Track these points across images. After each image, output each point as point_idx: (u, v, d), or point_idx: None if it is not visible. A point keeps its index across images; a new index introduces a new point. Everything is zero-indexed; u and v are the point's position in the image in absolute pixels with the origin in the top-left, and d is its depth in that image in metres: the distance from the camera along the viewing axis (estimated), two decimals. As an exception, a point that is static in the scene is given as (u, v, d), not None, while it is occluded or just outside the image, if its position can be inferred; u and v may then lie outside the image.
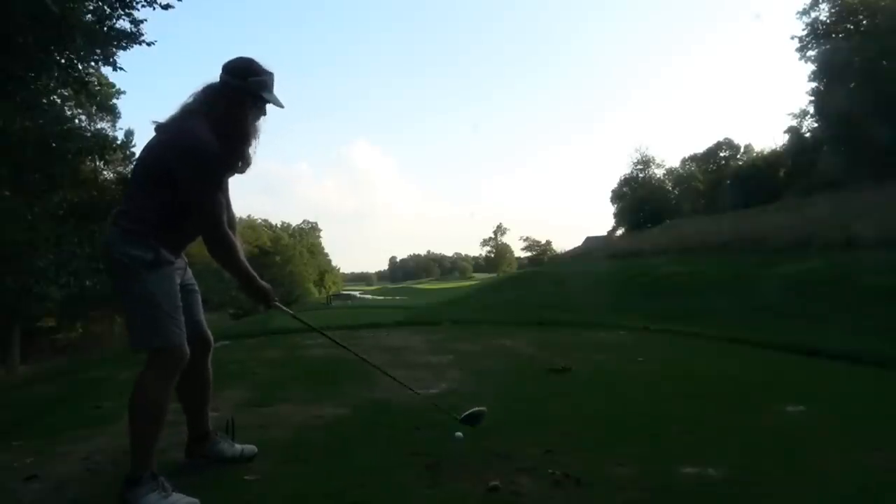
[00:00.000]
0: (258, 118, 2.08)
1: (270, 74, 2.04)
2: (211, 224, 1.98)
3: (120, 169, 21.01)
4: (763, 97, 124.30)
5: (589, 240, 46.96)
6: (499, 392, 3.57)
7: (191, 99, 2.01)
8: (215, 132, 1.93)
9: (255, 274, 2.10)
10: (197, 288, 2.23)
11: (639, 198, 39.29)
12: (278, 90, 2.06)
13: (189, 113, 1.98)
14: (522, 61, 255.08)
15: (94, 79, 12.51)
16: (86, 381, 4.95)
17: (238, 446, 2.30)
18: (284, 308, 2.28)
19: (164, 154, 1.95)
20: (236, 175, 2.17)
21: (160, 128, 2.01)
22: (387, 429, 2.65)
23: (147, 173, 2.00)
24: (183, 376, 2.00)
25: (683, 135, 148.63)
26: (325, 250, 70.91)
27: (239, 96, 1.99)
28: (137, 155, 2.34)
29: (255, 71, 2.01)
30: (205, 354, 2.21)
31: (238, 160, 2.08)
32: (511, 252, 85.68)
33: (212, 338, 2.26)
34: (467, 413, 2.30)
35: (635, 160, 42.73)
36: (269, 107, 2.08)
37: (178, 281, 2.06)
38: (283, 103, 2.07)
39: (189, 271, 2.20)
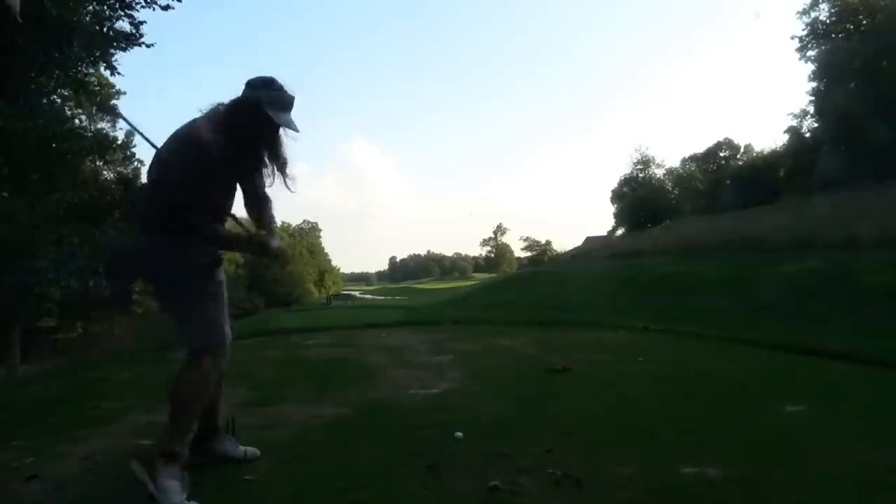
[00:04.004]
0: (269, 134, 2.04)
1: (285, 93, 2.01)
2: (173, 205, 1.95)
3: (120, 169, 20.98)
4: (763, 97, 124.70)
5: (589, 240, 46.87)
6: (499, 392, 3.57)
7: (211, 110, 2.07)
8: (224, 136, 1.96)
9: (243, 234, 2.13)
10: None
11: (639, 198, 39.19)
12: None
13: (203, 117, 2.04)
14: (522, 61, 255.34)
15: (93, 79, 12.51)
16: (86, 381, 4.95)
17: (241, 448, 2.31)
18: (287, 252, 2.30)
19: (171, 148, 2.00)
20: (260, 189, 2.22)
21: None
22: (387, 429, 2.64)
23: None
24: None
25: (683, 135, 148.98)
26: (325, 250, 70.97)
27: (245, 104, 2.00)
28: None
29: (266, 84, 2.00)
30: None
31: (240, 165, 2.09)
32: (511, 252, 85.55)
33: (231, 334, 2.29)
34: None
35: (635, 160, 42.68)
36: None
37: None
38: (297, 127, 2.03)
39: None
